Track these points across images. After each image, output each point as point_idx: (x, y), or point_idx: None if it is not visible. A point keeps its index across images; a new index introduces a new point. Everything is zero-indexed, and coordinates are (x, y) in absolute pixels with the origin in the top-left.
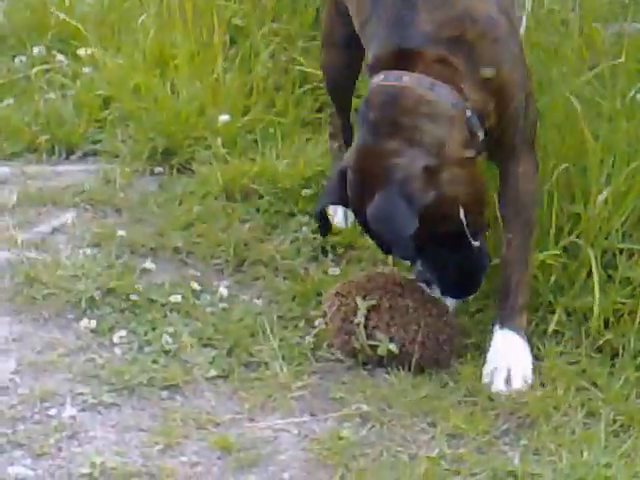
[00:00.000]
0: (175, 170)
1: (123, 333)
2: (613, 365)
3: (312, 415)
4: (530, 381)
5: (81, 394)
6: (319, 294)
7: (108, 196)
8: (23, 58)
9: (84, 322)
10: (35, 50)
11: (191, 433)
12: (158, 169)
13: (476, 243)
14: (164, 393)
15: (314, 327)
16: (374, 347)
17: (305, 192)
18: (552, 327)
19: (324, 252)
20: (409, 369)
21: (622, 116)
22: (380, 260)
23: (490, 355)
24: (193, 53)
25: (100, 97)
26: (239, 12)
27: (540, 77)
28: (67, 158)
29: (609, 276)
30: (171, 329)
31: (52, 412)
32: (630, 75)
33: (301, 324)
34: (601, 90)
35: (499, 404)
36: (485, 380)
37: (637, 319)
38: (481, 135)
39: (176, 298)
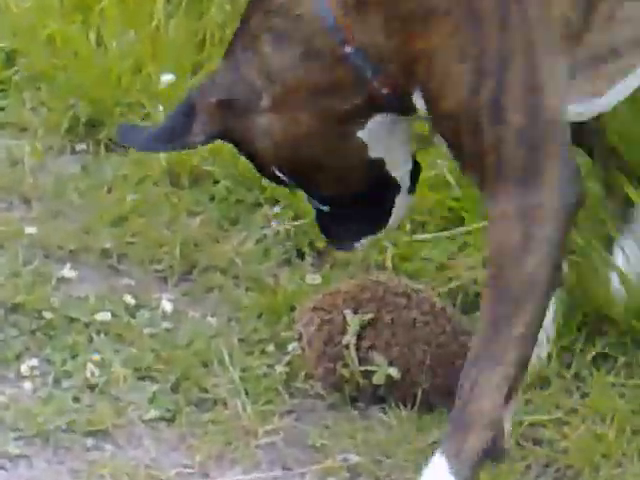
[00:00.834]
0: (103, 147)
1: (34, 362)
2: None
3: (285, 469)
4: None
5: None
6: (293, 309)
7: (13, 182)
8: None
9: None
10: None
11: None
12: (80, 146)
13: (324, 208)
14: (89, 441)
15: (287, 353)
16: (368, 375)
17: (265, 181)
18: (599, 350)
19: (300, 254)
20: (413, 406)
21: None
22: (375, 264)
23: None
24: None
25: (3, 51)
26: None
27: None
28: None
29: None
30: (98, 357)
31: None
32: None
33: (270, 349)
34: None
35: (531, 452)
36: None
37: None
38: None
39: (104, 316)
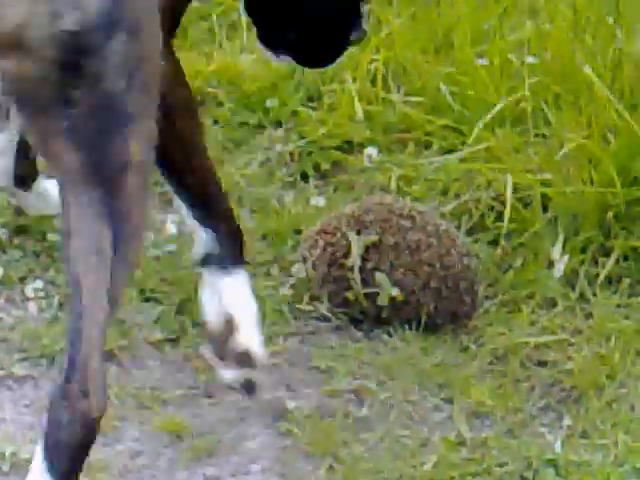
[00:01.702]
0: None
1: (39, 284)
2: None
3: (290, 390)
4: None
5: None
6: (298, 232)
7: None
8: None
9: None
10: None
11: (130, 414)
12: None
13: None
14: None
15: (291, 275)
16: (372, 296)
17: (270, 103)
18: (605, 272)
19: (304, 177)
20: (417, 327)
21: None
22: (380, 185)
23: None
24: None
25: None
26: None
27: None
28: None
29: None
30: None
31: None
32: None
33: (274, 271)
34: None
35: (535, 373)
36: None
37: None
38: None
39: None
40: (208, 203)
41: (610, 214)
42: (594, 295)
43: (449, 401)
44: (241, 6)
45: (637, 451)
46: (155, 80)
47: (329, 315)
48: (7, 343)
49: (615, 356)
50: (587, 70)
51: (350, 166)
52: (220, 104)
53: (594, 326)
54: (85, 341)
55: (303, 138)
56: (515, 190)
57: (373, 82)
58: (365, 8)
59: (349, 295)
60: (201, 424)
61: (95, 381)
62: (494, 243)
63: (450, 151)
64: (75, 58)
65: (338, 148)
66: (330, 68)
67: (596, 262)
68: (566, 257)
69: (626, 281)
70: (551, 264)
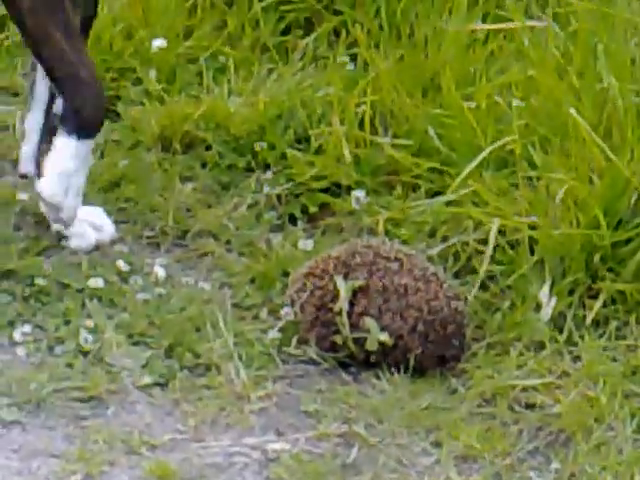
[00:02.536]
0: None
1: (27, 329)
2: None
3: (278, 434)
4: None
5: None
6: (286, 274)
7: (4, 148)
8: None
9: None
10: None
11: (119, 459)
12: None
13: None
14: (83, 407)
15: (280, 318)
16: (360, 342)
17: (258, 146)
18: (593, 315)
19: (292, 219)
20: (406, 370)
21: None
22: (367, 228)
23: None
24: None
25: None
26: None
27: None
28: None
29: None
30: (91, 323)
31: None
32: None
33: (263, 314)
34: None
35: (523, 416)
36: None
37: None
38: None
39: (97, 282)
40: None
41: (597, 256)
42: (582, 338)
43: (437, 445)
44: None
45: None
46: None
47: (317, 359)
48: None
49: (603, 399)
50: (573, 112)
51: (338, 209)
52: (208, 147)
53: (582, 369)
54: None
55: (291, 181)
56: (502, 233)
57: (361, 125)
58: None
59: (337, 339)
60: (190, 469)
61: None
62: (482, 286)
63: (437, 193)
64: None
65: (326, 191)
66: (318, 110)
67: (583, 304)
68: (554, 299)
69: (613, 323)
70: (539, 306)
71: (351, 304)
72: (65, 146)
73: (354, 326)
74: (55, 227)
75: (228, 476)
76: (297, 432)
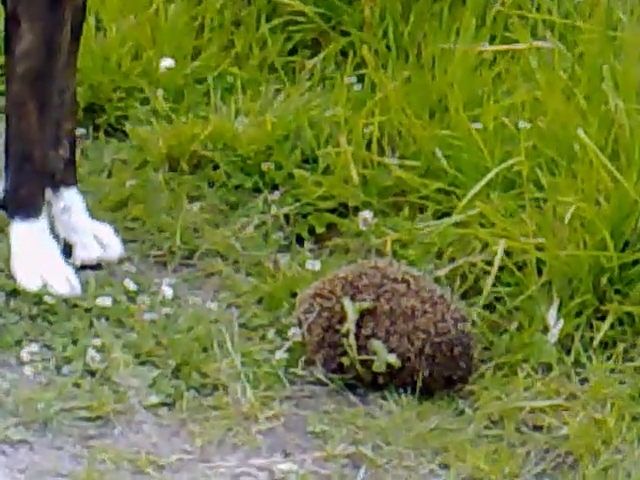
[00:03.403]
0: (102, 132)
1: (34, 348)
2: None
3: (285, 455)
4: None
5: None
6: (293, 295)
7: None
8: None
9: None
10: None
11: (126, 479)
12: (80, 131)
13: None
14: (90, 427)
15: (287, 339)
16: (368, 364)
17: (265, 166)
18: (600, 337)
19: (299, 240)
20: (413, 392)
21: None
22: (374, 248)
23: None
24: None
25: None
26: None
27: None
28: None
29: None
30: (98, 342)
31: None
32: None
33: (270, 335)
34: None
35: (531, 438)
36: None
37: None
38: None
39: (104, 301)
40: None
41: (604, 278)
42: (589, 360)
43: (445, 467)
44: None
45: None
46: None
47: (325, 380)
48: (2, 408)
49: (610, 421)
50: (580, 133)
51: (345, 229)
52: (216, 167)
53: (589, 391)
54: None
55: (298, 201)
56: (509, 254)
57: (368, 146)
58: None
59: (344, 360)
60: None
61: None
62: (489, 307)
63: (445, 215)
64: None
65: (333, 211)
66: (325, 131)
67: (591, 326)
68: (561, 321)
69: (621, 346)
70: (546, 328)
71: (358, 326)
72: (15, 231)
73: (361, 348)
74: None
75: None
76: (304, 453)
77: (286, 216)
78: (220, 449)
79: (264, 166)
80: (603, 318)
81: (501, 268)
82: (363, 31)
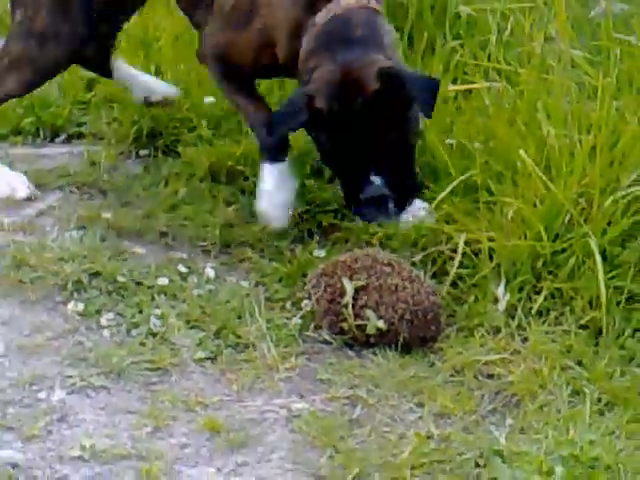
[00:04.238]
0: (160, 152)
1: (111, 316)
2: (597, 344)
3: (300, 397)
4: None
5: (70, 377)
6: (305, 275)
7: (93, 179)
8: None
9: (72, 305)
10: None
11: (180, 415)
12: (143, 151)
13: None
14: (152, 376)
15: (301, 308)
16: (362, 328)
17: None
18: (537, 307)
19: (310, 234)
20: (396, 349)
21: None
22: (365, 241)
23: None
24: (177, 35)
25: (84, 79)
26: None
27: None
28: (52, 140)
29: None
30: (158, 311)
31: (41, 395)
32: None
33: (288, 305)
34: None
35: (485, 384)
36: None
37: (622, 298)
38: None
39: (163, 281)
40: None
41: (540, 262)
42: (529, 324)
43: (420, 405)
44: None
45: (563, 443)
46: None
47: (329, 340)
48: (86, 361)
49: (545, 370)
50: (521, 152)
51: (344, 226)
52: (246, 178)
53: (529, 348)
54: None
55: (309, 204)
56: (468, 244)
57: None
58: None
59: (344, 325)
60: (233, 423)
61: None
62: (453, 284)
63: None
64: None
65: (335, 212)
66: None
67: (530, 299)
68: (507, 295)
69: (553, 313)
70: (496, 300)
71: (354, 299)
72: (262, 170)
73: (357, 315)
74: None
75: (262, 429)
76: (314, 395)
77: (299, 215)
78: (250, 392)
79: None
80: (539, 292)
81: (462, 255)
82: None
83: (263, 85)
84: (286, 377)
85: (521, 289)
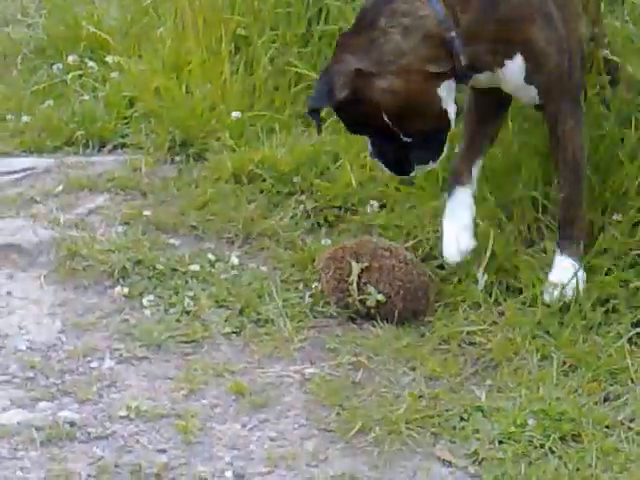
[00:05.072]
0: (191, 159)
1: (151, 297)
2: (563, 317)
3: (311, 363)
4: (580, 293)
5: (117, 349)
6: (314, 261)
7: (135, 182)
8: (60, 65)
9: (118, 289)
10: (70, 58)
11: (210, 380)
12: (177, 158)
13: (407, 139)
14: (187, 347)
15: (311, 289)
16: (364, 302)
17: (295, 179)
18: (512, 286)
19: (319, 225)
20: (392, 321)
21: None
22: (367, 232)
23: (551, 275)
24: (204, 59)
25: (126, 98)
26: (242, 23)
27: None
28: (100, 150)
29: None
30: (191, 293)
31: (94, 365)
32: None
33: (300, 286)
34: None
35: (467, 351)
36: (545, 295)
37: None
38: (463, 60)
39: (195, 267)
40: None
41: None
42: (505, 300)
43: (413, 369)
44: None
45: (534, 400)
46: None
47: (336, 314)
48: (131, 336)
49: (518, 339)
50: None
51: (348, 219)
52: (264, 180)
53: (505, 320)
54: None
55: (317, 201)
56: None
57: (364, 165)
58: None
59: (349, 300)
60: (255, 386)
61: None
62: (440, 267)
63: (412, 207)
64: None
65: (340, 207)
66: (331, 152)
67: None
68: (486, 276)
69: (525, 291)
70: (476, 280)
71: (359, 277)
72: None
73: (360, 292)
74: None
75: (279, 391)
76: (323, 362)
77: (311, 210)
78: (270, 360)
79: (295, 179)
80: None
81: None
82: None
83: None
84: (300, 347)
85: (497, 271)
